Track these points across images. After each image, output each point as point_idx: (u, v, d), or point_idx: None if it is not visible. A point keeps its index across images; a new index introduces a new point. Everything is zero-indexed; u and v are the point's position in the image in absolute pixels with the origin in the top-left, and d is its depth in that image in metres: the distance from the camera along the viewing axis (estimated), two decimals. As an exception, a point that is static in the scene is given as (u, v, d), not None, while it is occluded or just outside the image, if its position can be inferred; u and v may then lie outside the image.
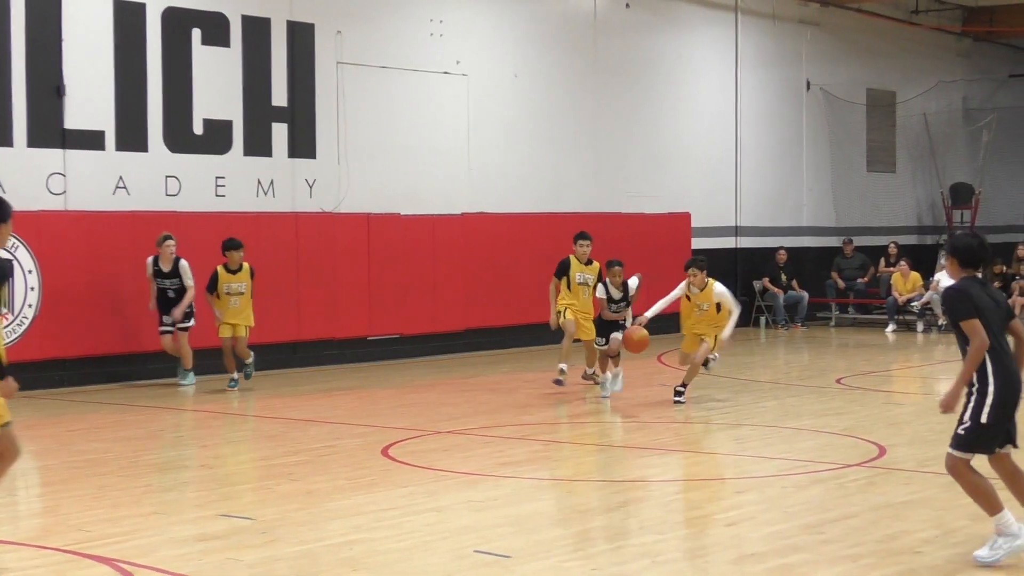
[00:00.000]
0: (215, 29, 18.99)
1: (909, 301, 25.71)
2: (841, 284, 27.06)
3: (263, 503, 10.12)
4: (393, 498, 10.26)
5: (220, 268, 17.18)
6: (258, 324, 17.74)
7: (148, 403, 16.17)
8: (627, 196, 24.17)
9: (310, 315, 19.61)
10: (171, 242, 17.22)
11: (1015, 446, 7.67)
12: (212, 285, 17.18)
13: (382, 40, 20.82)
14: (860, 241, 28.20)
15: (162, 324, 17.48)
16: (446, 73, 21.52)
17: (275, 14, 19.41)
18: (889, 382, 18.48)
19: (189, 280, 17.26)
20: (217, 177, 18.83)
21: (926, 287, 25.38)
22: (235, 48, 19.14)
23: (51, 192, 17.39)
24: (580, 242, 16.45)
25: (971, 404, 7.48)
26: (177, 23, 18.59)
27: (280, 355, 19.31)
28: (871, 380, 17.83)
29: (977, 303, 7.40)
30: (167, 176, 18.41)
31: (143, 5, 18.16)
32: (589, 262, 16.51)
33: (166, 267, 17.28)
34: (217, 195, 18.87)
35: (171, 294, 17.34)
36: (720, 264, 24.33)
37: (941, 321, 24.70)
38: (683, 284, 15.06)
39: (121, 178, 18.00)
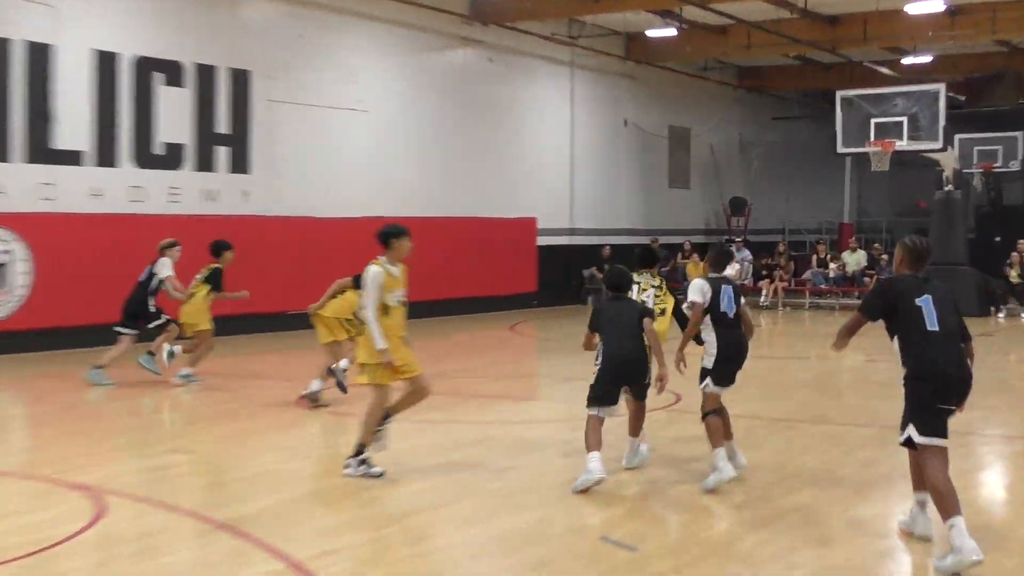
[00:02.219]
0: (174, 73, 18.32)
1: None
2: (650, 271, 27.28)
3: (205, 441, 9.68)
4: (305, 436, 10.01)
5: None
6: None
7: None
8: (489, 204, 23.94)
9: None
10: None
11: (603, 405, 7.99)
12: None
13: (304, 84, 20.29)
14: (664, 239, 27.95)
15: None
16: (352, 110, 21.11)
17: (220, 62, 18.87)
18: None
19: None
20: (171, 188, 18.16)
21: (711, 274, 25.98)
22: (188, 88, 18.53)
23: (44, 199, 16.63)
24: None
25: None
26: (143, 68, 17.88)
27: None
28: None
29: (602, 314, 8.04)
30: (131, 187, 17.67)
31: (117, 54, 17.51)
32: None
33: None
34: (169, 201, 18.11)
35: None
36: (559, 256, 25.25)
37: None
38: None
39: (96, 188, 17.22)
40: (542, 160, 25.92)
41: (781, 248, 27.70)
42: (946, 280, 6.82)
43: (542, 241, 24.94)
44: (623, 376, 7.97)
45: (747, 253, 26.61)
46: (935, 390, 6.18)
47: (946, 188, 22.79)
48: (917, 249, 6.48)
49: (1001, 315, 21.93)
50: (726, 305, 7.98)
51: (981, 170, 24.98)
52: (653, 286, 8.78)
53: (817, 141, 30.14)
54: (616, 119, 28.38)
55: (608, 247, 26.66)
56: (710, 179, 31.91)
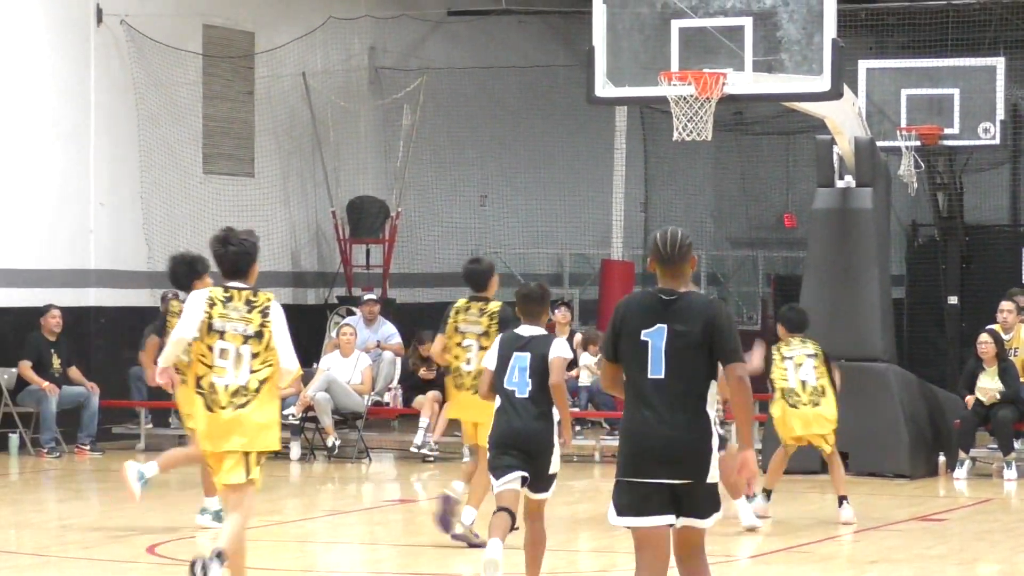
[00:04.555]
0: None
1: (282, 403, 19.51)
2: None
3: None
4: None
5: None
6: None
7: None
8: None
9: None
10: None
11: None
12: None
13: None
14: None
15: None
16: None
17: None
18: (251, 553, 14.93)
19: None
20: None
21: (307, 379, 20.97)
22: None
23: None
24: None
25: None
26: None
27: None
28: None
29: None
30: None
31: None
32: None
33: None
34: None
35: None
36: None
37: (333, 439, 21.20)
38: None
39: None
40: None
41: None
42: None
43: None
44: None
45: (388, 329, 23.02)
46: (632, 454, 6.94)
47: (839, 183, 20.47)
48: (663, 248, 7.00)
49: (959, 472, 19.26)
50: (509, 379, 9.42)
51: (916, 142, 22.53)
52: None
53: (553, 74, 27.54)
54: (79, 7, 22.63)
55: (56, 310, 21.11)
56: (304, 155, 25.71)
